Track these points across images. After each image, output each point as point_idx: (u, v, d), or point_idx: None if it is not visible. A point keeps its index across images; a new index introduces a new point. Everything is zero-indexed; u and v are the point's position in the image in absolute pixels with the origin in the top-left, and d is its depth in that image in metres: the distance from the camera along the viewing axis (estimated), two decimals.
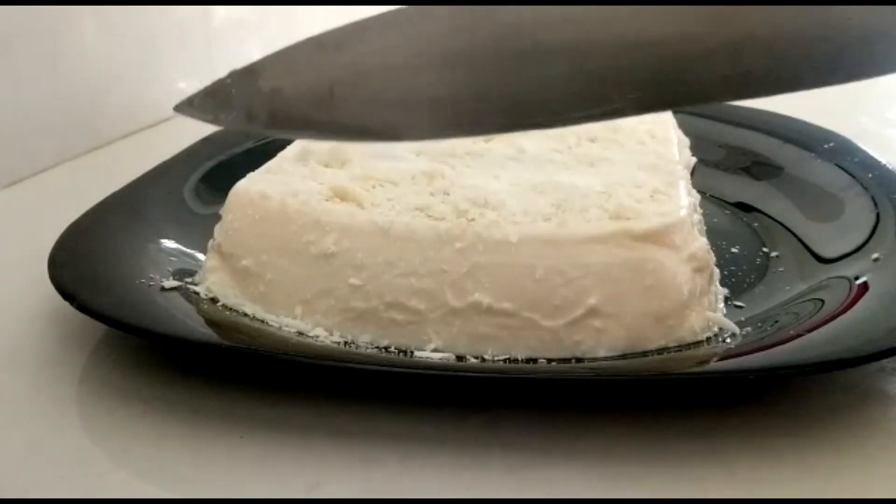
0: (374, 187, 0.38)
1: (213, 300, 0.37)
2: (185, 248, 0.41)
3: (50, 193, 0.54)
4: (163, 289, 0.36)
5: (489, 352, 0.33)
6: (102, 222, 0.41)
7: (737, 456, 0.29)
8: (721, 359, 0.33)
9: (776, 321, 0.35)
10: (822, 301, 0.35)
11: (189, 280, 0.38)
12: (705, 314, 0.34)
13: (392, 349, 0.34)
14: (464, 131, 0.35)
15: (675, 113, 0.52)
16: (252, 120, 0.36)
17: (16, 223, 0.49)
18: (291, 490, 0.28)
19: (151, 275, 0.37)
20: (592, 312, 0.33)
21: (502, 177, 0.39)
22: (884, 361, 0.33)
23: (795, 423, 0.30)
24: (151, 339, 0.33)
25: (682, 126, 0.51)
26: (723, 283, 0.38)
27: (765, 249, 0.43)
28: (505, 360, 0.33)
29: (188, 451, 0.29)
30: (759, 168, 0.52)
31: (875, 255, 0.38)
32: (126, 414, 0.31)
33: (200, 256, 0.40)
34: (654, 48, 0.32)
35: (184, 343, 0.33)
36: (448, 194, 0.37)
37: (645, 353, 0.33)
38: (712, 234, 0.39)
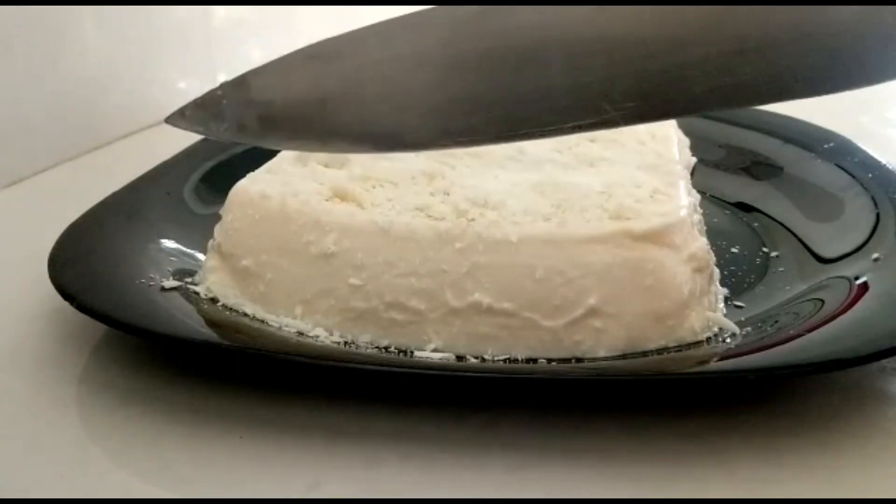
0: (374, 187, 0.38)
1: (213, 300, 0.37)
2: (185, 248, 0.41)
3: (50, 193, 0.54)
4: (163, 289, 0.36)
5: (489, 352, 0.33)
6: (102, 222, 0.41)
7: (737, 456, 0.29)
8: (721, 359, 0.33)
9: (776, 321, 0.35)
10: (822, 301, 0.35)
11: (189, 280, 0.38)
12: (705, 314, 0.34)
13: (392, 349, 0.34)
14: (456, 143, 0.35)
15: None
16: (243, 131, 0.36)
17: (16, 223, 0.49)
18: (291, 490, 0.28)
19: (151, 275, 0.37)
20: (592, 312, 0.33)
21: (502, 177, 0.39)
22: (884, 361, 0.33)
23: (795, 423, 0.30)
24: (151, 339, 0.33)
25: (682, 126, 0.51)
26: (723, 283, 0.38)
27: (765, 249, 0.43)
28: (505, 360, 0.33)
29: (188, 451, 0.29)
30: (759, 168, 0.52)
31: (875, 255, 0.37)
32: (126, 414, 0.31)
33: (200, 256, 0.40)
34: (647, 60, 0.32)
35: (184, 343, 0.33)
36: (448, 194, 0.37)
37: (645, 353, 0.33)
38: (712, 234, 0.39)
